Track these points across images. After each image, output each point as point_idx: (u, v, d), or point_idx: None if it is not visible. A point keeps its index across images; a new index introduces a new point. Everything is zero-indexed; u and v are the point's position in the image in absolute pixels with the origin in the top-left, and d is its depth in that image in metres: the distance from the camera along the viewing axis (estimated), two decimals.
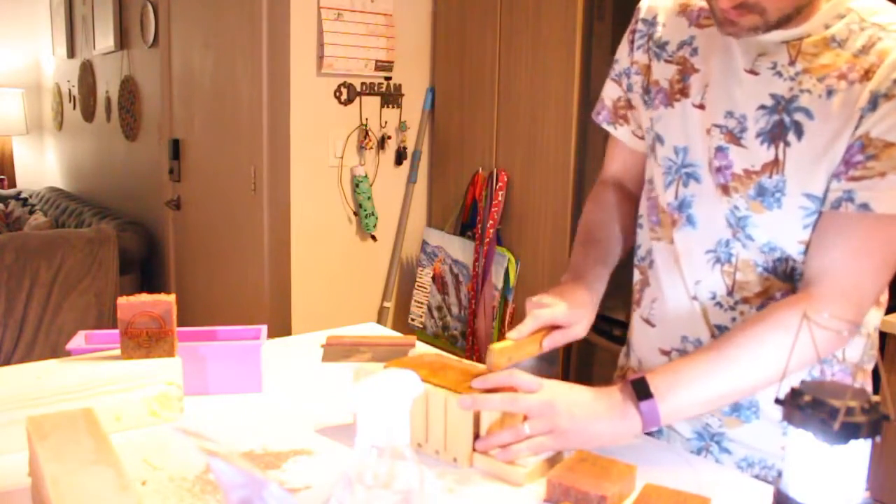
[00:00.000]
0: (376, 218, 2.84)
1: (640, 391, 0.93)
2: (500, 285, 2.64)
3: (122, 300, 1.05)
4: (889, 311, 1.98)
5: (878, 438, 0.62)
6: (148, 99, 3.88)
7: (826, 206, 0.94)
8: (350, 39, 2.69)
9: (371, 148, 2.84)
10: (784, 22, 0.92)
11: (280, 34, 2.65)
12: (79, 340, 1.17)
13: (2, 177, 5.84)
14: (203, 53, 3.21)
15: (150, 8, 3.64)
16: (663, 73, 1.09)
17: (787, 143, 0.95)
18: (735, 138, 1.00)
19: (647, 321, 1.14)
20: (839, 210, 0.92)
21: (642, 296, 1.16)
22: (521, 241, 2.62)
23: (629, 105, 1.19)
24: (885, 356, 1.95)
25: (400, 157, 2.92)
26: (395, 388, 0.68)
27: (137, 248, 3.77)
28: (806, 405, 0.64)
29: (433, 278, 2.91)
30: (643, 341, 1.15)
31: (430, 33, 2.94)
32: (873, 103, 0.90)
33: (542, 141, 2.50)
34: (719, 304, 1.04)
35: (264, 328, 1.23)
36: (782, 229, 0.98)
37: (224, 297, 3.25)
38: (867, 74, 0.91)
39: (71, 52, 5.06)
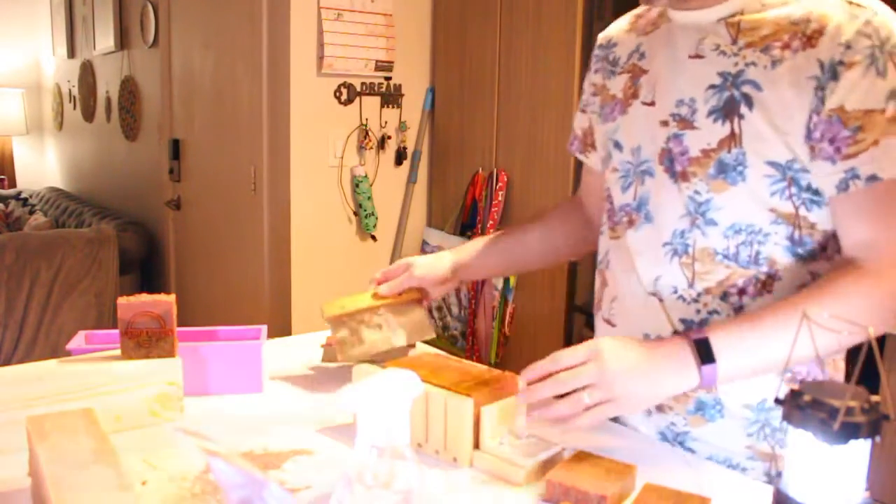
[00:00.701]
0: (376, 218, 2.84)
1: (704, 353, 0.91)
2: (500, 285, 2.64)
3: (122, 300, 1.05)
4: None
5: (877, 438, 0.62)
6: (148, 99, 3.88)
7: (831, 192, 0.93)
8: (350, 39, 2.69)
9: (371, 148, 2.84)
10: None
11: (280, 34, 2.65)
12: (79, 340, 1.17)
13: (2, 177, 5.84)
14: (203, 53, 3.21)
15: (150, 8, 3.64)
16: (617, 85, 1.13)
17: (741, 116, 0.96)
18: (688, 123, 1.01)
19: (608, 321, 1.14)
20: (849, 191, 0.92)
21: (602, 297, 1.17)
22: None
23: (593, 130, 1.22)
24: (884, 356, 1.95)
25: (400, 157, 2.92)
26: (395, 388, 0.68)
27: (137, 248, 3.77)
28: (806, 405, 0.64)
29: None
30: None
31: (430, 33, 2.94)
32: (831, 72, 0.90)
33: (542, 141, 2.50)
34: (682, 298, 1.03)
35: (264, 328, 1.23)
36: (748, 203, 0.98)
37: (224, 297, 3.25)
38: (810, 41, 0.92)
39: (71, 52, 5.06)
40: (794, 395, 0.65)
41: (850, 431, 0.62)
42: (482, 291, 2.68)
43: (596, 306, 1.20)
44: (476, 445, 0.95)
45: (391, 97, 2.86)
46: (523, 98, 2.56)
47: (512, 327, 2.61)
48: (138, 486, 0.88)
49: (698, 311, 1.03)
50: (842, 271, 0.94)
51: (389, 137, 2.88)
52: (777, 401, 0.67)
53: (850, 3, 0.92)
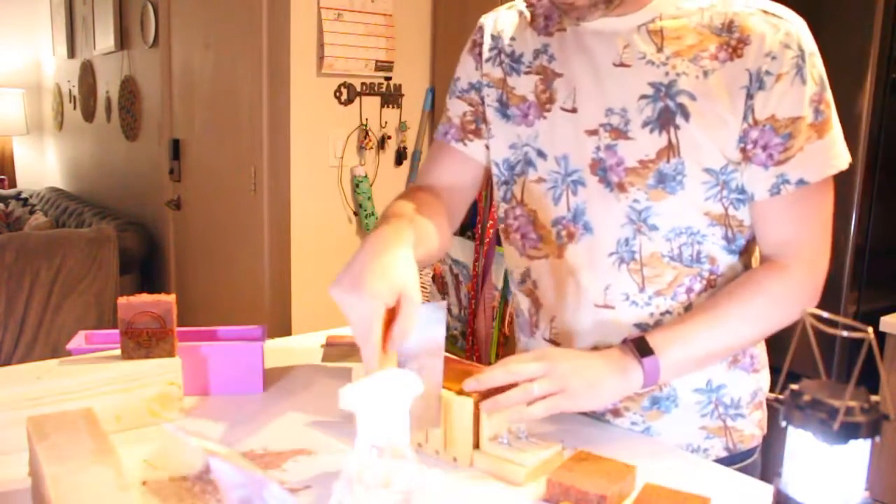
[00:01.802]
0: (376, 218, 2.84)
1: (642, 348, 0.96)
2: (500, 285, 2.64)
3: (122, 300, 1.05)
4: (889, 310, 1.99)
5: (877, 438, 0.63)
6: (148, 99, 3.88)
7: (762, 195, 0.99)
8: (350, 39, 2.69)
9: (371, 148, 2.84)
10: None
11: (280, 34, 2.65)
12: (79, 340, 1.17)
13: (2, 177, 5.84)
14: (203, 53, 3.21)
15: (150, 8, 3.64)
16: (526, 85, 1.09)
17: (676, 127, 0.98)
18: (621, 133, 1.01)
19: (552, 341, 1.13)
20: (780, 194, 0.98)
21: (538, 318, 1.15)
22: None
23: (482, 118, 1.15)
24: (884, 356, 1.95)
25: (400, 158, 2.92)
26: (395, 388, 0.68)
27: (137, 248, 3.77)
28: (806, 405, 0.64)
29: (433, 278, 2.91)
30: None
31: (430, 33, 2.94)
32: (759, 82, 0.95)
33: None
34: (634, 304, 1.05)
35: (264, 328, 1.23)
36: (686, 209, 1.01)
37: (224, 297, 3.25)
38: (736, 52, 0.96)
39: (71, 52, 5.06)
40: (793, 394, 0.65)
41: (850, 431, 0.62)
42: (482, 291, 2.68)
43: (527, 330, 1.18)
44: (476, 445, 0.95)
45: (391, 97, 2.86)
46: None
47: (512, 327, 2.61)
48: (138, 486, 0.88)
49: (651, 314, 1.05)
50: (761, 268, 1.03)
51: (389, 137, 2.88)
52: (777, 401, 0.67)
53: (767, 13, 0.96)
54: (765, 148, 0.97)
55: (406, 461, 0.68)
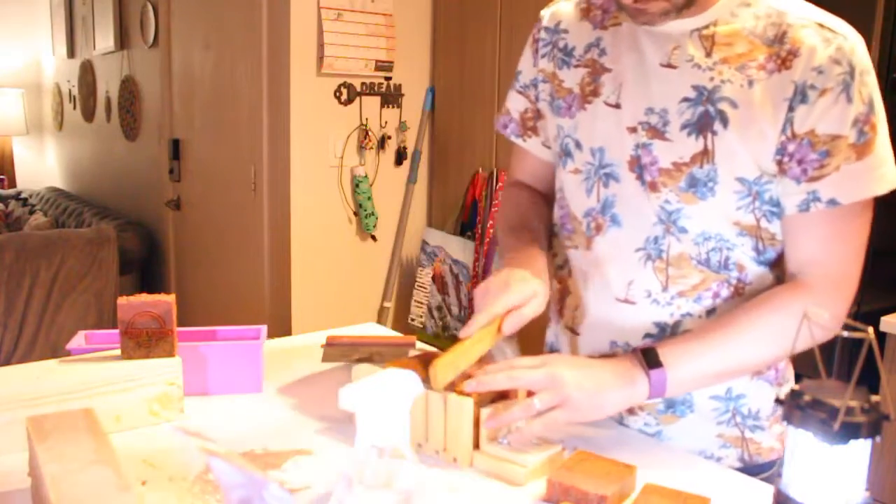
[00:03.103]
0: (376, 218, 2.84)
1: (651, 360, 0.95)
2: None
3: (122, 300, 1.05)
4: (889, 310, 1.99)
5: (878, 438, 0.62)
6: (148, 99, 3.88)
7: (791, 210, 0.97)
8: (350, 39, 2.69)
9: (371, 148, 2.84)
10: (690, 4, 0.95)
11: (280, 34, 2.65)
12: (79, 340, 1.17)
13: (2, 177, 5.84)
14: (203, 53, 3.21)
15: (150, 8, 3.64)
16: (573, 78, 1.10)
17: (714, 133, 0.97)
18: (659, 133, 1.00)
19: (572, 329, 1.13)
20: (809, 211, 0.96)
21: (563, 305, 1.16)
22: None
23: (538, 115, 1.19)
24: (884, 356, 1.95)
25: (400, 157, 2.92)
26: (395, 388, 0.68)
27: (137, 248, 3.77)
28: (806, 405, 0.64)
29: (433, 278, 2.91)
30: (567, 350, 1.15)
31: (430, 33, 2.94)
32: (802, 95, 0.93)
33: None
34: (656, 302, 1.04)
35: (264, 328, 1.23)
36: (716, 216, 1.00)
37: (224, 297, 3.25)
38: (785, 63, 0.94)
39: (71, 52, 5.06)
40: (793, 394, 0.65)
41: (850, 431, 0.62)
42: None
43: (556, 314, 1.19)
44: (476, 445, 0.95)
45: (391, 97, 2.86)
46: None
47: None
48: (138, 486, 0.88)
49: (672, 315, 1.04)
50: (788, 287, 0.99)
51: (389, 137, 2.88)
52: (777, 401, 0.67)
53: (823, 26, 0.94)
54: (800, 162, 0.94)
55: (406, 461, 0.68)
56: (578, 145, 1.09)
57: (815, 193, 0.94)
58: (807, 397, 0.64)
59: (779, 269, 1.04)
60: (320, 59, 2.65)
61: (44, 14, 5.58)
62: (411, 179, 2.96)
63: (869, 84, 0.94)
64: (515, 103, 1.22)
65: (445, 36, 2.88)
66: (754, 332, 0.96)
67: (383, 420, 0.67)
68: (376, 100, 2.83)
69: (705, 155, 0.98)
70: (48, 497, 0.68)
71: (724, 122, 0.96)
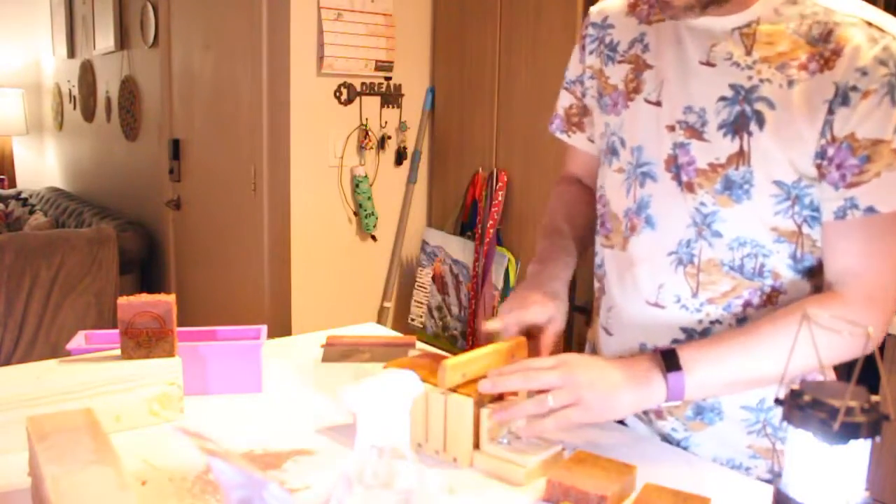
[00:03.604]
0: (376, 218, 2.84)
1: (670, 363, 0.92)
2: (500, 285, 2.64)
3: (122, 300, 1.05)
4: None
5: (878, 438, 0.62)
6: (148, 99, 3.88)
7: (828, 216, 0.93)
8: (350, 39, 2.69)
9: (371, 148, 2.84)
10: (719, 1, 0.92)
11: (280, 34, 2.65)
12: (79, 340, 1.17)
13: (2, 177, 5.84)
14: (203, 53, 3.21)
15: (150, 8, 3.64)
16: (618, 74, 1.09)
17: (749, 134, 0.94)
18: (697, 133, 0.98)
19: (606, 330, 1.13)
20: (846, 219, 0.91)
21: (600, 304, 1.16)
22: (521, 241, 2.62)
23: (584, 111, 1.20)
24: (884, 356, 1.95)
25: (400, 157, 2.92)
26: (395, 388, 0.68)
27: (137, 248, 3.77)
28: (806, 405, 0.64)
29: (433, 278, 2.91)
30: (604, 350, 1.15)
31: (430, 33, 2.94)
32: (843, 97, 0.88)
33: (542, 141, 2.49)
34: (685, 307, 1.02)
35: (264, 328, 1.23)
36: (752, 221, 0.97)
37: (224, 297, 3.25)
38: (828, 63, 0.90)
39: (71, 52, 5.06)
40: (793, 394, 0.65)
41: (850, 431, 0.62)
42: (482, 291, 2.68)
43: (595, 311, 1.19)
44: (476, 445, 0.95)
45: (391, 97, 2.86)
46: (523, 98, 2.56)
47: None
48: (138, 486, 0.88)
49: (700, 321, 1.02)
50: (820, 297, 0.95)
51: (389, 137, 2.88)
52: (777, 401, 0.67)
53: (871, 24, 0.89)
54: (839, 167, 0.90)
55: (406, 461, 0.67)
56: (623, 143, 1.08)
57: (852, 200, 0.90)
58: (807, 397, 0.64)
59: (818, 279, 0.99)
60: (320, 59, 2.65)
61: (44, 14, 5.58)
62: (411, 179, 2.96)
63: None
64: (562, 100, 1.24)
65: (445, 36, 2.88)
66: (779, 340, 0.92)
67: (383, 420, 0.66)
68: (376, 100, 2.83)
69: (741, 156, 0.95)
70: (48, 497, 0.68)
71: (761, 122, 0.93)
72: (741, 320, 1.00)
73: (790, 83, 0.92)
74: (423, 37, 2.93)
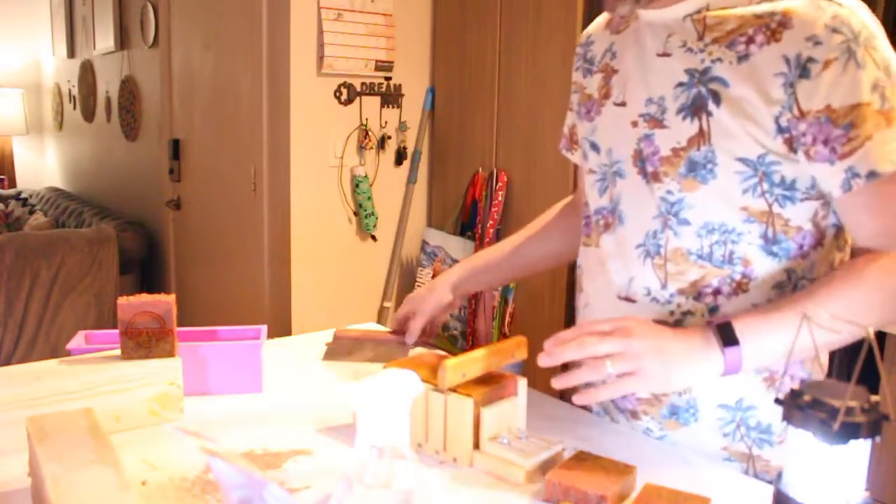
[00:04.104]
0: (376, 218, 2.84)
1: (726, 337, 0.91)
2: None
3: (122, 300, 1.05)
4: None
5: (878, 438, 0.62)
6: (148, 99, 3.88)
7: (837, 193, 0.92)
8: (350, 39, 2.69)
9: (371, 148, 2.84)
10: None
11: (280, 34, 2.65)
12: (79, 340, 1.17)
13: (2, 177, 5.84)
14: (203, 53, 3.21)
15: (150, 8, 3.64)
16: (593, 84, 1.13)
17: (709, 114, 0.95)
18: (658, 122, 1.00)
19: None
20: (853, 190, 0.90)
21: (577, 302, 1.19)
22: None
23: (577, 129, 1.23)
24: (884, 356, 1.95)
25: (400, 157, 2.92)
26: (395, 388, 0.68)
27: (137, 248, 3.77)
28: (806, 405, 0.64)
29: (433, 278, 2.90)
30: None
31: (430, 33, 2.94)
32: (801, 69, 0.88)
33: (542, 141, 2.50)
34: (655, 300, 1.03)
35: (264, 328, 1.23)
36: (720, 202, 0.97)
37: (224, 297, 3.25)
38: (774, 36, 0.90)
39: (71, 52, 5.06)
40: (794, 394, 0.65)
41: (850, 431, 0.62)
42: (482, 291, 2.68)
43: (576, 310, 1.22)
44: (476, 445, 0.95)
45: (391, 97, 2.86)
46: (523, 98, 2.56)
47: (512, 327, 2.61)
48: (138, 486, 0.88)
49: (672, 313, 1.03)
50: (862, 258, 0.93)
51: (389, 137, 2.88)
52: (777, 401, 0.67)
53: None
54: (826, 142, 0.89)
55: (406, 461, 0.67)
56: (594, 147, 1.12)
57: (852, 169, 0.89)
58: (807, 397, 0.64)
59: (792, 263, 0.98)
60: (320, 59, 2.65)
61: (44, 14, 5.58)
62: (411, 179, 2.96)
63: (880, 48, 0.89)
64: (567, 120, 1.28)
65: (445, 36, 2.88)
66: (834, 305, 0.90)
67: (383, 420, 0.66)
68: (376, 100, 2.83)
69: (701, 136, 0.96)
70: (48, 497, 0.68)
71: (717, 101, 0.94)
72: (713, 310, 1.00)
73: (740, 59, 0.93)
74: (423, 37, 2.93)
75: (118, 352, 1.07)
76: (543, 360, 0.91)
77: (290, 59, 2.61)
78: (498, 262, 1.35)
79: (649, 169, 1.02)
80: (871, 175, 0.89)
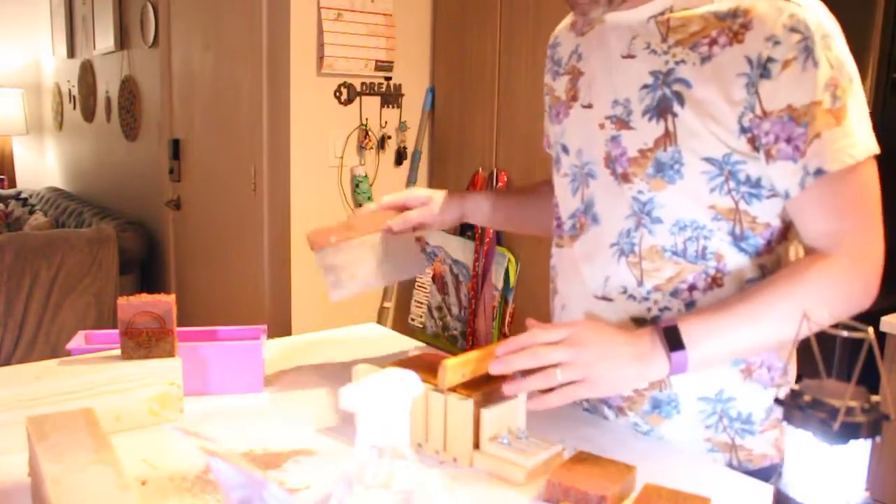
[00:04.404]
0: None
1: (672, 340, 0.93)
2: (500, 285, 2.64)
3: (122, 300, 1.05)
4: (889, 310, 1.99)
5: (878, 438, 0.62)
6: (148, 99, 3.88)
7: (795, 191, 0.94)
8: (350, 39, 2.69)
9: (371, 148, 2.84)
10: None
11: (280, 34, 2.65)
12: (79, 340, 1.17)
13: (2, 177, 5.84)
14: (203, 53, 3.21)
15: (150, 8, 3.64)
16: (561, 86, 1.14)
17: (674, 115, 0.97)
18: (625, 123, 1.02)
19: None
20: (805, 187, 0.93)
21: (553, 304, 1.20)
22: (521, 241, 2.62)
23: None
24: (884, 356, 1.95)
25: (400, 157, 2.92)
26: (395, 388, 0.68)
27: (137, 248, 3.77)
28: (806, 405, 0.64)
29: (433, 278, 2.91)
30: None
31: (430, 33, 2.94)
32: (763, 70, 0.90)
33: (542, 141, 2.49)
34: (632, 297, 1.04)
35: (264, 328, 1.23)
36: (689, 201, 0.99)
37: (224, 297, 3.25)
38: (737, 37, 0.92)
39: (71, 52, 5.06)
40: (793, 395, 0.65)
41: (850, 431, 0.62)
42: (482, 291, 2.68)
43: (551, 312, 1.22)
44: (476, 445, 0.95)
45: (391, 97, 2.86)
46: (523, 98, 2.56)
47: (512, 327, 2.61)
48: (138, 486, 0.88)
49: (649, 310, 1.04)
50: (805, 259, 0.97)
51: (389, 137, 2.88)
52: (777, 401, 0.67)
53: None
54: (789, 140, 0.92)
55: (406, 461, 0.68)
56: (566, 150, 1.13)
57: (805, 167, 0.92)
58: (807, 397, 0.64)
59: (762, 259, 1.01)
60: (320, 59, 2.65)
61: (44, 14, 5.58)
62: (411, 179, 2.96)
63: (834, 47, 0.91)
64: (545, 120, 1.28)
65: (445, 36, 2.88)
66: (779, 306, 0.93)
67: (383, 420, 0.67)
68: (376, 100, 2.83)
69: (667, 137, 0.98)
70: (48, 497, 0.68)
71: (682, 102, 0.96)
72: (689, 305, 1.02)
73: (703, 60, 0.94)
74: (423, 37, 2.93)
75: (118, 352, 1.07)
76: (495, 368, 0.93)
77: (290, 59, 2.61)
78: (510, 205, 1.40)
79: (619, 170, 1.03)
80: (818, 172, 0.91)
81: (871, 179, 0.94)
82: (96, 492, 0.69)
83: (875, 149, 0.93)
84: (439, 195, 1.35)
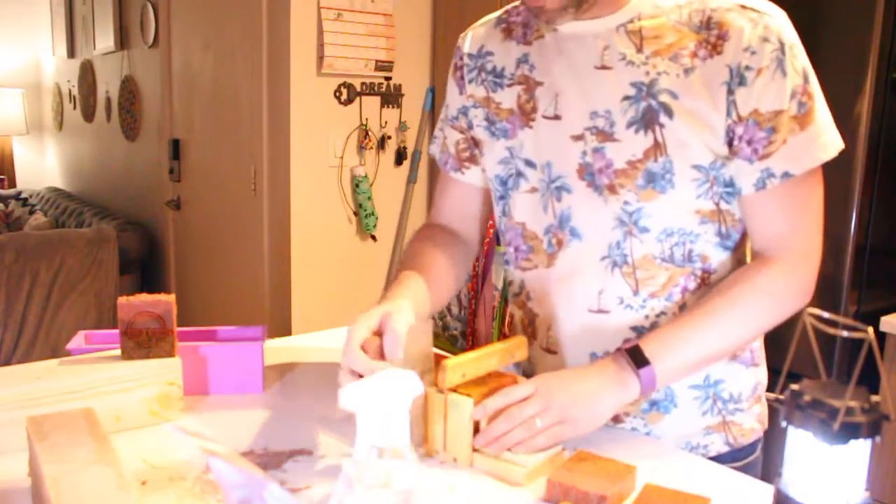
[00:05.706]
0: (376, 218, 2.84)
1: (637, 359, 0.96)
2: (500, 285, 2.64)
3: (122, 300, 1.05)
4: (889, 310, 1.99)
5: (878, 438, 0.63)
6: (148, 99, 3.88)
7: (748, 190, 0.98)
8: (350, 39, 2.69)
9: (371, 148, 2.84)
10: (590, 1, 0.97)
11: (280, 34, 2.65)
12: (79, 340, 1.17)
13: (2, 177, 5.84)
14: (203, 53, 3.21)
15: (150, 8, 3.64)
16: (510, 98, 1.10)
17: (661, 125, 0.98)
18: (607, 135, 1.01)
19: (548, 350, 1.13)
20: (766, 188, 0.97)
21: (534, 329, 1.16)
22: None
23: (473, 144, 1.17)
24: (884, 356, 1.95)
25: (400, 157, 2.92)
26: (395, 388, 0.68)
27: (137, 248, 3.77)
28: (806, 405, 0.64)
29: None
30: (549, 370, 1.11)
31: (430, 33, 2.94)
32: (740, 78, 0.94)
33: None
34: (629, 307, 1.05)
35: (264, 328, 1.23)
36: (677, 209, 1.01)
37: (224, 297, 3.25)
38: (716, 48, 0.95)
39: (71, 52, 5.06)
40: (794, 395, 0.65)
41: (850, 431, 0.62)
42: (482, 291, 2.68)
43: (528, 337, 1.17)
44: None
45: (391, 97, 2.86)
46: None
47: (512, 327, 2.61)
48: (138, 486, 0.88)
49: (647, 317, 1.05)
50: (752, 265, 1.02)
51: (389, 137, 2.88)
52: (777, 401, 0.67)
53: (745, 7, 0.96)
54: (749, 142, 0.96)
55: (406, 461, 0.68)
56: (530, 164, 1.09)
57: (769, 170, 0.96)
58: (807, 397, 0.64)
59: (739, 253, 1.06)
60: (320, 59, 2.65)
61: (44, 14, 5.58)
62: (411, 179, 2.96)
63: (799, 56, 0.96)
64: (450, 136, 1.20)
65: (445, 36, 2.88)
66: (732, 312, 0.98)
67: (383, 420, 0.67)
68: (376, 100, 2.83)
69: (657, 148, 0.99)
70: (48, 497, 0.68)
71: (669, 113, 0.97)
72: (682, 306, 1.05)
73: (686, 71, 0.97)
74: (423, 37, 2.93)
75: (118, 352, 1.07)
76: (479, 442, 0.93)
77: (290, 59, 2.61)
78: (426, 300, 1.11)
79: (603, 182, 1.02)
80: (785, 175, 0.96)
81: (820, 181, 1.01)
82: (96, 492, 0.69)
83: (840, 143, 0.98)
84: (385, 309, 1.00)
